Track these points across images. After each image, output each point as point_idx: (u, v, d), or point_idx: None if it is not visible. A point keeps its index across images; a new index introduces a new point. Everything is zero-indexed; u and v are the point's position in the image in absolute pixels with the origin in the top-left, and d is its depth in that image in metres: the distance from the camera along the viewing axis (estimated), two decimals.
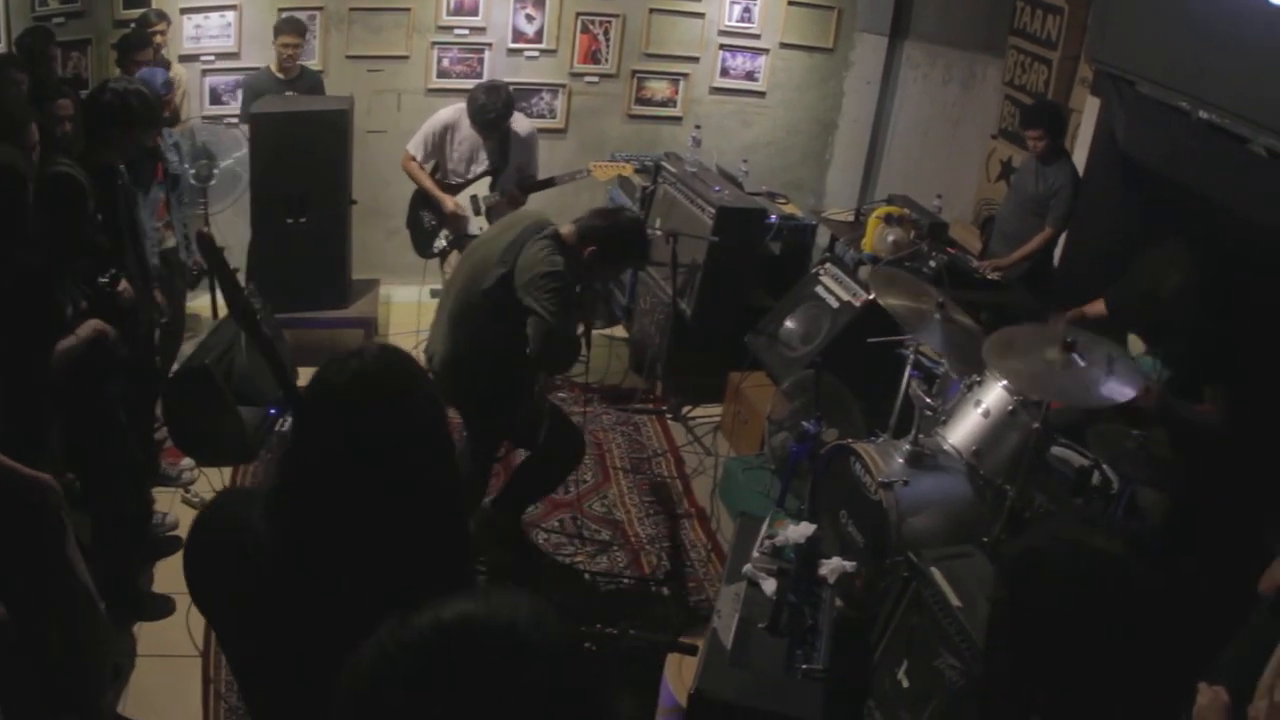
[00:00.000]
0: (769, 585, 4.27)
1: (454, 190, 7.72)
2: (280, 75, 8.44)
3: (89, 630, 4.47)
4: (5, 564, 4.07)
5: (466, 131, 7.60)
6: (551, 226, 5.47)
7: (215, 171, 7.60)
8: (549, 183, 7.84)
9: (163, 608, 5.52)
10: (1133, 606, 1.88)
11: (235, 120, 8.42)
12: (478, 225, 7.65)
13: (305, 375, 2.59)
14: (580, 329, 5.83)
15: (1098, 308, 6.04)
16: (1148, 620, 1.90)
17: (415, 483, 2.44)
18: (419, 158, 7.73)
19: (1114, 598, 1.88)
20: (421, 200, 7.92)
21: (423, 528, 2.45)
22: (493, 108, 7.31)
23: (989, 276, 7.53)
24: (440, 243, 7.87)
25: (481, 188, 7.67)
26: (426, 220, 7.89)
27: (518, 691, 1.50)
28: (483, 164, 7.66)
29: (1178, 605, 1.88)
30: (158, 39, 8.07)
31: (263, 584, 2.42)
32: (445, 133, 7.67)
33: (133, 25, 8.06)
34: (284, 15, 8.52)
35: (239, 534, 2.47)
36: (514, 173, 7.69)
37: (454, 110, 7.65)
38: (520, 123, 7.82)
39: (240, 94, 8.67)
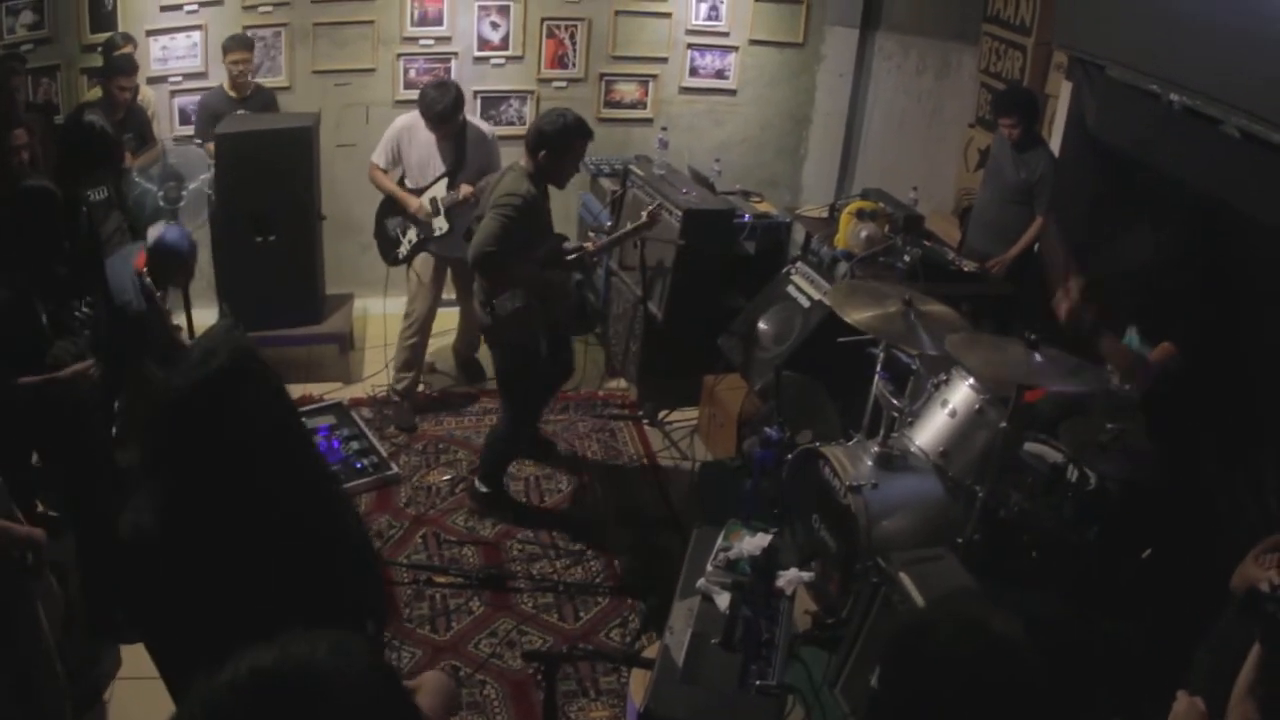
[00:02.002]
0: (723, 599, 4.16)
1: (417, 195, 7.67)
2: (233, 94, 8.42)
3: (48, 688, 4.41)
4: None
5: (422, 133, 7.57)
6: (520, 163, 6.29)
7: (184, 193, 7.52)
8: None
9: None
10: (1015, 697, 1.76)
11: (199, 142, 8.32)
12: (439, 226, 7.66)
13: None
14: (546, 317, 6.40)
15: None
16: (1028, 713, 1.78)
17: (267, 480, 2.64)
18: (383, 164, 7.74)
19: (996, 686, 1.76)
20: (386, 209, 7.89)
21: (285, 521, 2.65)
22: (441, 100, 7.29)
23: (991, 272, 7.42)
24: (404, 248, 7.82)
25: (440, 190, 7.62)
26: (391, 228, 7.85)
27: None
28: (439, 167, 7.61)
29: (1065, 701, 1.76)
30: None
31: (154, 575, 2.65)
32: (402, 136, 7.69)
33: (100, 49, 8.02)
34: (230, 35, 8.50)
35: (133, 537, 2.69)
36: (474, 174, 7.60)
37: (410, 115, 7.66)
38: (481, 125, 7.84)
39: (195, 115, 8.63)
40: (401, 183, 7.79)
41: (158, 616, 2.70)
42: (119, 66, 7.73)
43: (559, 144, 6.17)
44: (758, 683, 3.81)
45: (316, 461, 3.00)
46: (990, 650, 1.77)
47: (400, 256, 7.87)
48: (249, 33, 8.67)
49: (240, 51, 8.30)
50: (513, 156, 7.15)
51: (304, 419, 7.28)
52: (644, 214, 7.04)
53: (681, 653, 3.92)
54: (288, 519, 2.63)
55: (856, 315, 5.45)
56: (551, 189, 6.40)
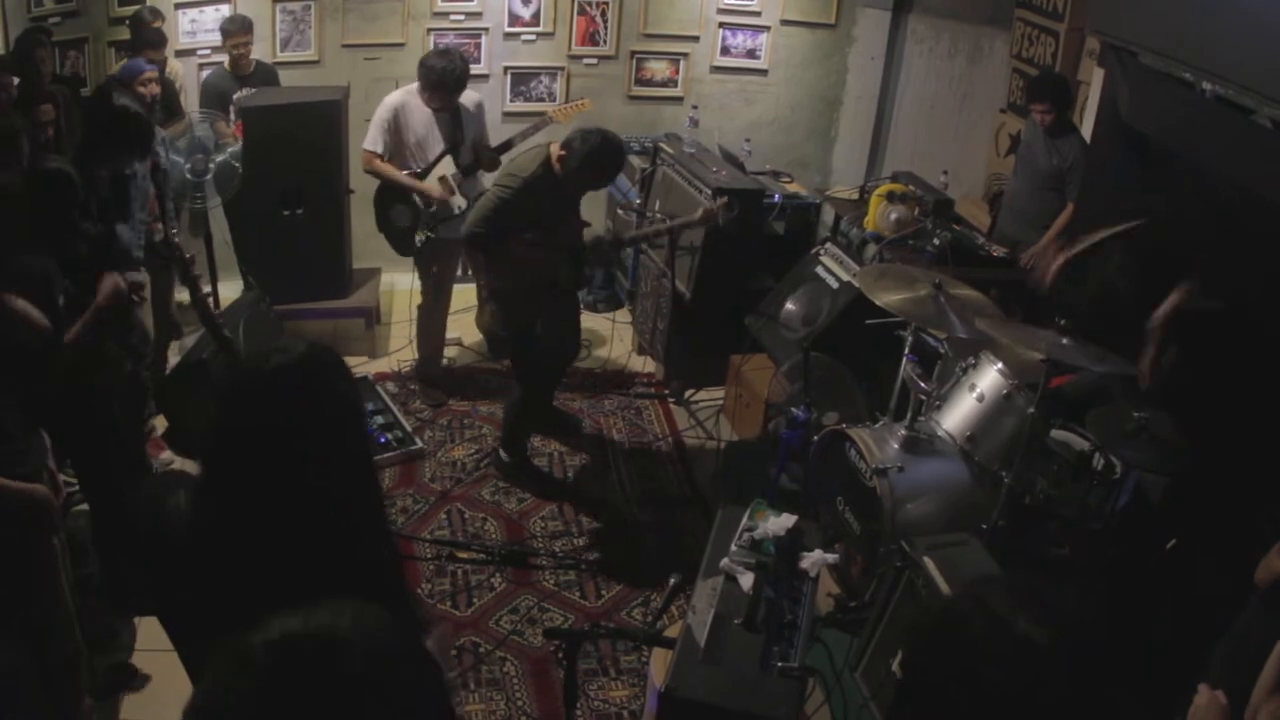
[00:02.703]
0: (746, 580, 4.15)
1: (418, 177, 7.50)
2: (235, 73, 8.41)
3: (68, 654, 4.44)
4: None
5: (416, 112, 7.39)
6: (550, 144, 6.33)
7: (210, 166, 7.51)
8: (507, 145, 7.60)
9: None
10: (1034, 704, 1.73)
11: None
12: (458, 204, 7.48)
13: None
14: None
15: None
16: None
17: (329, 476, 2.52)
18: (380, 151, 7.43)
19: (1018, 692, 1.74)
20: (386, 199, 7.64)
21: (336, 521, 2.53)
22: (454, 67, 7.17)
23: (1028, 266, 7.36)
24: (421, 236, 7.58)
25: (446, 168, 7.46)
26: (397, 218, 7.61)
27: (348, 698, 1.49)
28: (439, 144, 7.45)
29: (1087, 705, 1.73)
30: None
31: (182, 565, 2.54)
32: (396, 116, 7.41)
33: (128, 22, 8.03)
34: (229, 17, 8.53)
35: (160, 519, 2.59)
36: (471, 146, 7.53)
37: (401, 93, 7.47)
38: (468, 95, 7.59)
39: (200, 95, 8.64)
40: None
41: (185, 599, 2.67)
42: (149, 40, 7.74)
43: (572, 163, 6.18)
44: (779, 664, 3.79)
45: (370, 455, 2.92)
46: (1016, 653, 1.75)
47: (418, 244, 7.65)
48: (279, 7, 8.70)
49: (241, 34, 8.30)
50: (546, 132, 7.20)
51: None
52: (700, 211, 6.99)
53: (703, 632, 3.90)
54: (340, 507, 2.57)
55: (886, 297, 5.42)
56: None
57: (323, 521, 2.50)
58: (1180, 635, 4.59)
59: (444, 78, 7.16)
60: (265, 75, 8.59)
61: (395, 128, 7.41)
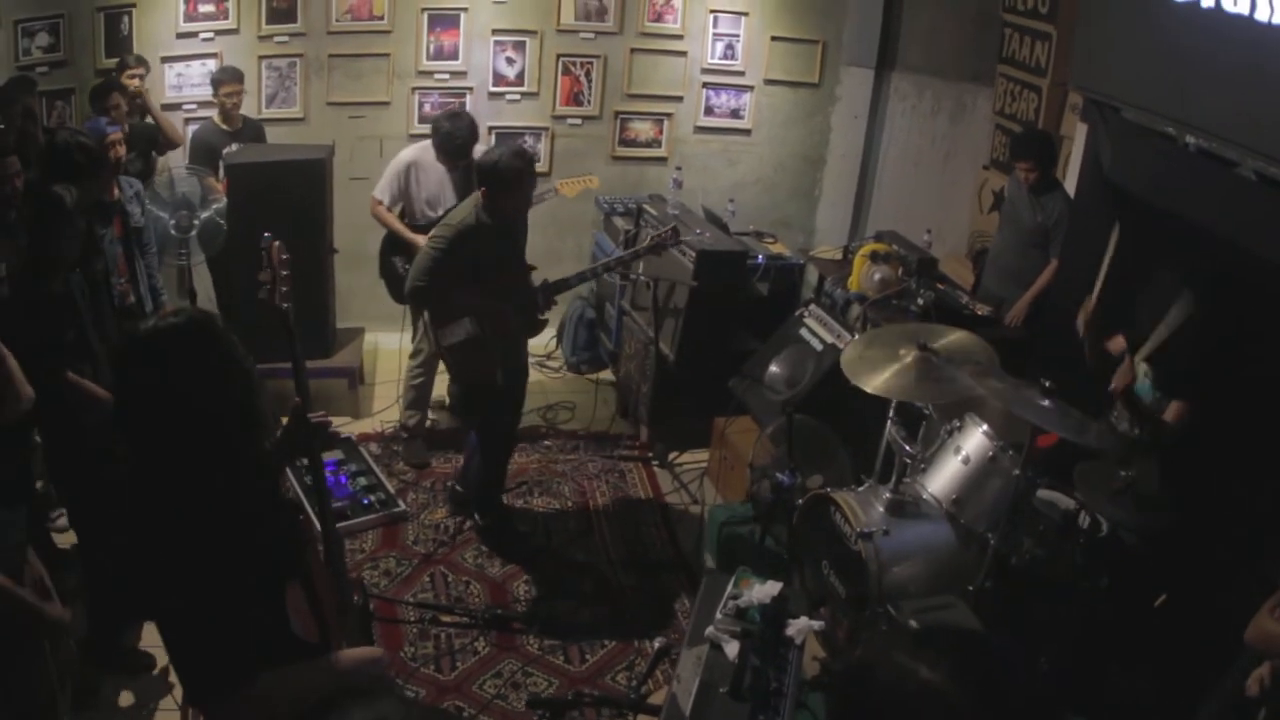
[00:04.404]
0: (731, 648, 4.11)
1: (424, 230, 7.35)
2: (225, 127, 8.44)
3: None
4: None
5: (431, 167, 7.51)
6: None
7: (195, 222, 7.47)
8: None
9: (141, 662, 5.42)
10: None
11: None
12: None
13: None
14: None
15: (1119, 343, 5.90)
16: None
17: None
18: (386, 201, 7.66)
19: None
20: (391, 246, 7.78)
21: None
22: (460, 133, 7.27)
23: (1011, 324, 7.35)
24: None
25: None
26: (400, 265, 7.62)
27: None
28: (451, 200, 7.47)
29: None
30: (135, 83, 8.08)
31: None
32: (409, 171, 7.59)
33: (111, 72, 8.05)
34: (220, 68, 8.59)
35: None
36: None
37: (416, 148, 7.60)
38: (479, 148, 7.57)
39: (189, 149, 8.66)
40: (402, 218, 7.71)
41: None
42: (107, 87, 7.70)
43: (491, 181, 6.06)
44: None
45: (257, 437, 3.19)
46: (923, 698, 1.74)
47: None
48: (264, 63, 8.73)
49: (233, 84, 8.36)
50: None
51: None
52: (650, 237, 7.02)
53: (689, 701, 3.86)
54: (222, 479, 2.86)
55: (875, 382, 5.29)
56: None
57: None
58: (1168, 693, 4.56)
59: (447, 142, 7.30)
60: (254, 131, 8.62)
61: (405, 182, 7.60)
